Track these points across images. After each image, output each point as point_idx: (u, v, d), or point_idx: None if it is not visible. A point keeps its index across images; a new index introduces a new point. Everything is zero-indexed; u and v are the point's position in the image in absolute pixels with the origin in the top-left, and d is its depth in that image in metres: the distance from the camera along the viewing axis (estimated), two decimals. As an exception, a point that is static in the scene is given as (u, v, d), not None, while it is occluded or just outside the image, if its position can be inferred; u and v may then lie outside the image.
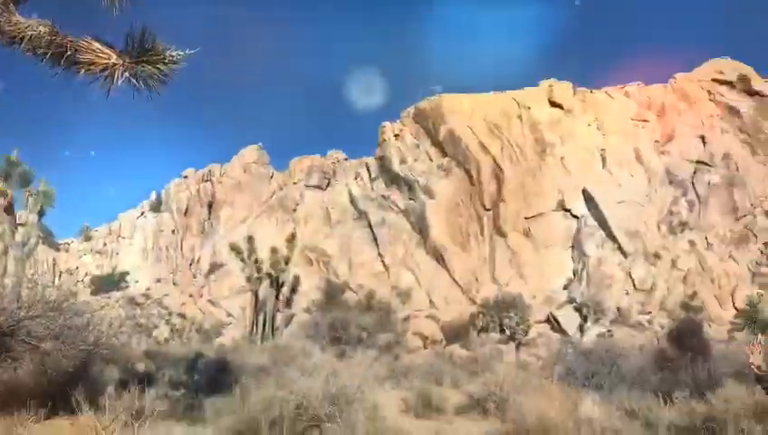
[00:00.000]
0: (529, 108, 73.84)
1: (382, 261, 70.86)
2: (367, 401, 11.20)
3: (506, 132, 70.12)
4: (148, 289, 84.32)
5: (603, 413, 9.17)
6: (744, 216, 68.48)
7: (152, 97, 5.02)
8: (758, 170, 71.47)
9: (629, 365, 20.30)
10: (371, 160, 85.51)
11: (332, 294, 48.02)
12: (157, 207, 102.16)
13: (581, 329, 49.99)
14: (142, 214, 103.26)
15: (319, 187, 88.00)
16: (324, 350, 20.32)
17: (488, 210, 66.39)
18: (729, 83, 78.97)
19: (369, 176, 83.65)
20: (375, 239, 73.00)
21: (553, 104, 76.52)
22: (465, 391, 15.38)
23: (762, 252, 66.38)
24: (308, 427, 10.12)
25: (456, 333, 50.03)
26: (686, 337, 19.80)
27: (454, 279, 64.25)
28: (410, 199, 72.02)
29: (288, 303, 36.23)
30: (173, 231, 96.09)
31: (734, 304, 60.06)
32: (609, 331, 52.17)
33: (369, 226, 74.45)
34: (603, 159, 70.93)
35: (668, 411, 12.39)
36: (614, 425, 8.99)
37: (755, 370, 10.62)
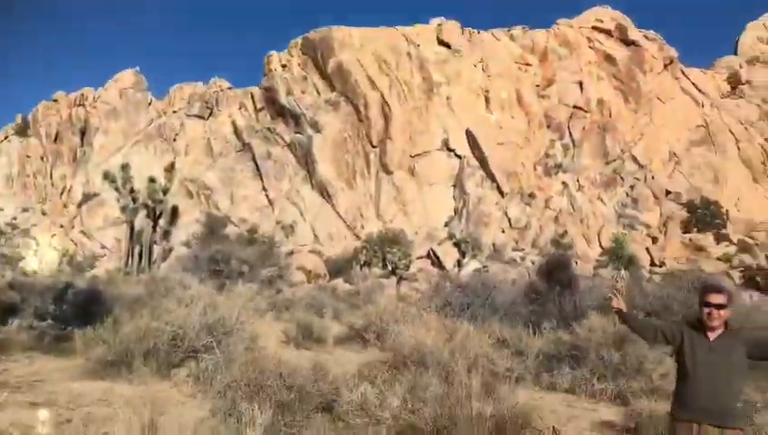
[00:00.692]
0: (418, 45, 73.89)
1: (266, 195, 69.81)
2: (246, 332, 11.06)
3: (395, 69, 69.98)
4: (14, 219, 78.94)
5: (477, 341, 9.50)
6: (614, 160, 72.70)
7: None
8: (629, 117, 75.72)
9: (503, 298, 21.24)
10: (257, 91, 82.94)
11: (213, 227, 46.85)
12: (23, 132, 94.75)
13: (459, 264, 51.83)
14: (6, 138, 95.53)
15: (200, 116, 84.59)
16: (203, 283, 19.83)
17: (375, 147, 66.58)
18: (607, 32, 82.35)
19: (255, 107, 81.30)
20: (259, 173, 71.61)
21: (441, 43, 76.94)
22: (346, 322, 15.58)
23: (627, 194, 71.08)
24: (184, 358, 9.88)
25: (339, 268, 50.52)
26: (556, 272, 20.87)
27: (339, 214, 64.51)
28: (297, 133, 70.87)
29: (166, 235, 35.09)
30: (42, 158, 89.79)
31: (600, 242, 64.29)
32: (485, 266, 54.49)
33: (254, 158, 72.79)
34: (487, 101, 72.56)
35: (537, 341, 13.11)
36: (486, 352, 9.35)
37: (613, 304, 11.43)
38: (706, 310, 4.84)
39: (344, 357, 11.92)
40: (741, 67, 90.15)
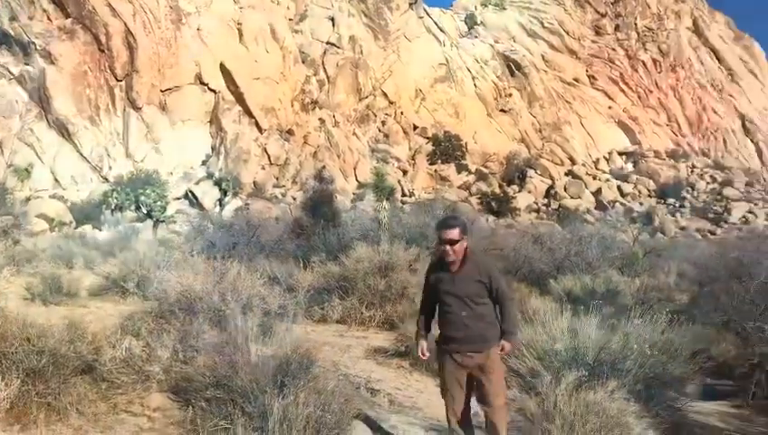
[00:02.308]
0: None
1: (-7, 136, 61.33)
2: (-22, 292, 9.61)
3: (138, -4, 64.45)
4: None
5: (249, 282, 9.23)
6: (367, 97, 75.16)
7: None
8: (378, 54, 78.36)
9: (268, 236, 21.17)
10: (-29, 16, 71.39)
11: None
12: None
13: (221, 203, 50.64)
14: None
15: None
16: None
17: (120, 81, 61.22)
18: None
19: (-30, 34, 70.11)
20: (-18, 110, 62.47)
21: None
22: (101, 272, 14.29)
23: (380, 130, 74.27)
24: None
25: (87, 214, 46.58)
26: (320, 207, 21.25)
27: (82, 155, 58.82)
28: (26, 65, 62.67)
29: None
30: None
31: (356, 176, 66.70)
32: (246, 204, 53.94)
33: (-26, 94, 63.20)
34: (240, 33, 70.20)
35: (308, 275, 13.22)
36: (259, 292, 9.13)
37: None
38: (441, 247, 5.14)
39: (102, 311, 10.90)
40: (475, 9, 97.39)
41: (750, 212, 66.57)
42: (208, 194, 55.02)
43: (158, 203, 38.80)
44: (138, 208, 39.19)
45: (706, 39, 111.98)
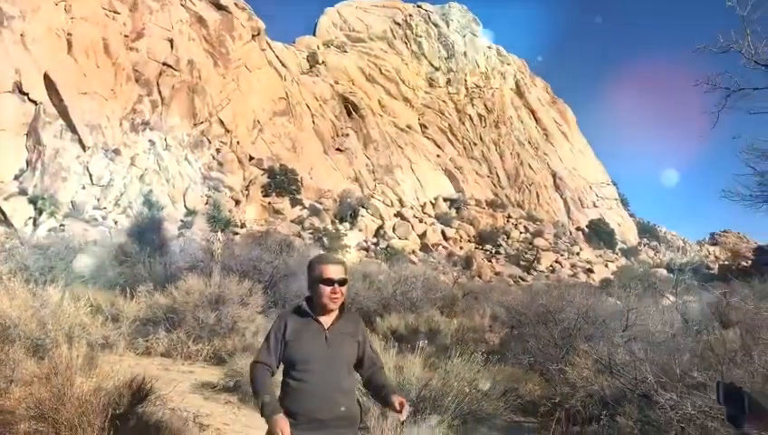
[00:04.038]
0: (-16, -33, 63.26)
1: None
2: None
3: (-48, -10, 58.73)
4: None
5: (72, 310, 8.79)
6: (202, 122, 73.52)
7: None
8: (218, 81, 77.20)
9: (87, 260, 20.03)
10: None
11: None
12: None
13: (35, 223, 46.83)
14: None
15: None
16: None
17: None
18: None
19: None
20: None
21: (15, -29, 67.24)
22: None
23: (214, 157, 72.74)
24: None
25: None
26: (147, 233, 20.50)
27: None
28: None
29: None
30: None
31: (185, 203, 64.63)
32: (62, 225, 50.30)
33: None
34: (69, 45, 66.05)
35: (133, 305, 12.71)
36: (82, 320, 8.73)
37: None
38: (328, 288, 3.94)
39: None
40: (318, 48, 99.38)
41: (557, 262, 72.90)
42: (19, 211, 50.63)
43: (-40, 218, 35.05)
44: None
45: (527, 100, 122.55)
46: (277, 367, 4.01)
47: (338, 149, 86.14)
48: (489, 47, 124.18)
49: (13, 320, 7.92)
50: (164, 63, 74.11)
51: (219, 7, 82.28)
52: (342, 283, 3.97)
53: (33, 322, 7.97)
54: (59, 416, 5.26)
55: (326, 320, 3.97)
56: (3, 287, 10.85)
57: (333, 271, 3.95)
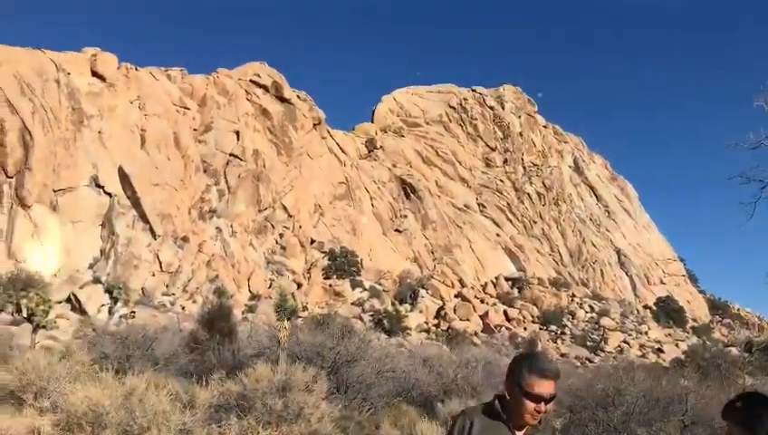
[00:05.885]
0: (69, 73, 68.59)
1: None
2: None
3: (40, 95, 63.77)
4: None
5: (155, 398, 9.52)
6: (266, 208, 76.06)
7: None
8: (281, 169, 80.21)
9: (162, 348, 20.96)
10: None
11: None
12: None
13: (110, 311, 48.82)
14: None
15: None
16: None
17: (10, 177, 59.29)
18: (264, 87, 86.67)
19: None
20: None
21: (95, 74, 72.69)
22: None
23: (277, 242, 74.81)
24: None
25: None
26: (217, 321, 21.40)
27: (-43, 252, 55.74)
28: None
29: None
30: None
31: (249, 287, 66.28)
32: (132, 312, 52.13)
33: None
34: (143, 140, 70.32)
35: (205, 392, 13.40)
36: (165, 408, 9.42)
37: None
38: (533, 405, 3.32)
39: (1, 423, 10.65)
40: (376, 134, 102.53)
41: (624, 342, 70.88)
42: (92, 299, 52.90)
43: (41, 307, 36.95)
44: (18, 311, 37.17)
45: (586, 177, 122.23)
46: None
47: (397, 230, 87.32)
48: (545, 126, 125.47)
49: (105, 408, 8.67)
50: (231, 154, 77.67)
51: (282, 100, 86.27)
52: (549, 400, 3.33)
53: (121, 410, 8.69)
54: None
55: (518, 432, 3.41)
56: (93, 377, 11.74)
57: (546, 387, 3.30)
